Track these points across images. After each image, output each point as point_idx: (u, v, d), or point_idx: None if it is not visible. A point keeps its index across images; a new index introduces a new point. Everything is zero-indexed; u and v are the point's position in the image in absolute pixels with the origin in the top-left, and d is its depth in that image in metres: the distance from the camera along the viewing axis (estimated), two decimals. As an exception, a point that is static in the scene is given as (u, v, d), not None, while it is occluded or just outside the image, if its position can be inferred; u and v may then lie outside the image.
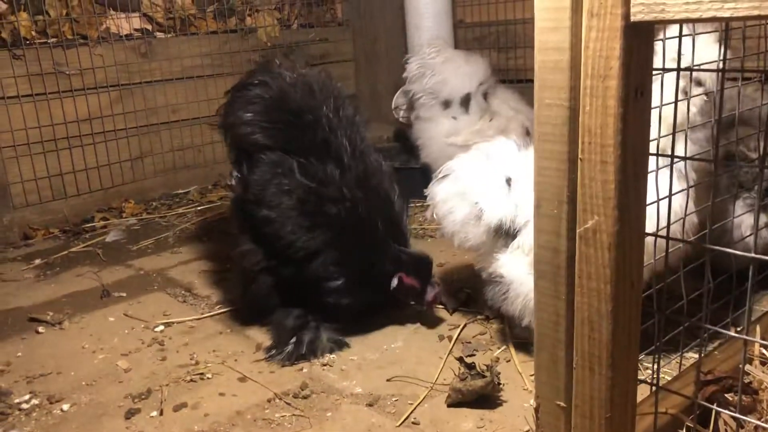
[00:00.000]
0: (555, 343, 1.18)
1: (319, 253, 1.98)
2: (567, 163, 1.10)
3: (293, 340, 1.96)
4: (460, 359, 1.74)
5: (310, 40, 4.31)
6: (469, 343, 1.98)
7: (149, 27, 3.71)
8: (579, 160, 1.08)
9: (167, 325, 2.21)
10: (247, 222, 2.08)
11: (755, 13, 0.85)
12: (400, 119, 3.68)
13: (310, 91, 2.22)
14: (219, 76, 3.91)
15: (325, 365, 1.90)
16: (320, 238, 1.98)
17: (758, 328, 1.67)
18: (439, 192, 1.93)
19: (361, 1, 4.40)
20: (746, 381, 1.51)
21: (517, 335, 1.95)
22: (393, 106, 3.69)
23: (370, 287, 2.03)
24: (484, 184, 1.86)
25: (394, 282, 2.03)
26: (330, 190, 2.01)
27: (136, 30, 3.65)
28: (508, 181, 1.83)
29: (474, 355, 1.91)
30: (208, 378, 1.88)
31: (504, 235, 1.81)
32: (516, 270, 1.77)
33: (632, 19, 0.97)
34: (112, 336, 2.16)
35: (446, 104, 3.23)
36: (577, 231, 1.10)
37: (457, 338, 2.01)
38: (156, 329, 2.19)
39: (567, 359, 1.17)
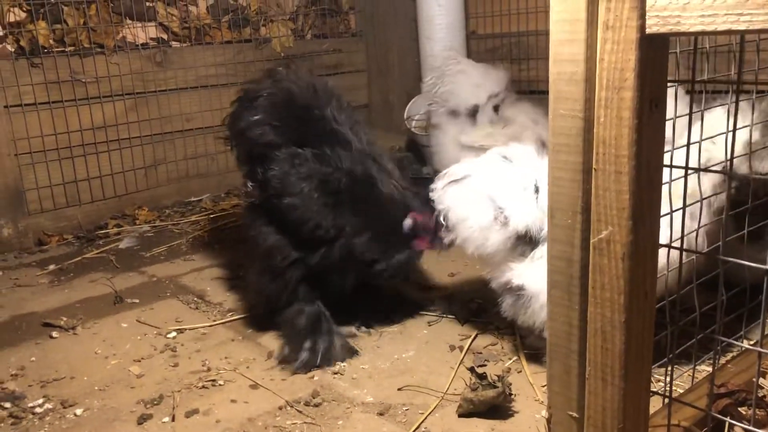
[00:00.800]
0: (568, 353, 1.19)
1: (344, 230, 2.03)
2: (581, 173, 1.11)
3: (307, 345, 1.97)
4: (471, 369, 1.75)
5: (323, 50, 4.34)
6: (480, 353, 1.98)
7: (165, 36, 3.75)
8: (593, 171, 1.08)
9: (179, 331, 2.23)
10: (271, 218, 2.11)
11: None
12: (413, 129, 3.70)
13: (314, 91, 2.30)
14: (233, 86, 3.91)
15: (336, 373, 1.91)
16: (345, 215, 2.03)
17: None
18: (450, 196, 1.87)
19: (375, 12, 4.43)
20: (760, 395, 1.51)
21: (529, 346, 1.94)
22: (405, 115, 3.72)
23: (398, 247, 2.08)
24: (510, 188, 1.81)
25: (408, 223, 2.07)
26: (346, 171, 2.06)
27: (151, 39, 3.69)
28: (537, 188, 1.79)
29: (485, 365, 1.91)
30: (220, 384, 1.88)
31: (526, 243, 1.79)
32: (538, 281, 1.76)
33: (648, 31, 0.98)
34: (125, 342, 2.18)
35: (454, 114, 3.25)
36: (591, 241, 1.10)
37: (468, 348, 2.01)
38: (168, 335, 2.20)
39: (580, 369, 1.18)
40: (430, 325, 2.17)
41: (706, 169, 1.30)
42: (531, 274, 1.77)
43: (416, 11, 3.83)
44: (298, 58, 4.20)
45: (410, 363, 1.96)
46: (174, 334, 2.21)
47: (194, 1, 3.85)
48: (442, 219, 1.89)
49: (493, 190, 1.82)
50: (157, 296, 2.54)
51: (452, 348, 2.03)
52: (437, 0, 3.68)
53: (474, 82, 3.23)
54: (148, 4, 3.65)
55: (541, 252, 1.76)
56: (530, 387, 1.78)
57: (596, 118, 1.06)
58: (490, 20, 3.94)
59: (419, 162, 3.61)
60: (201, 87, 3.82)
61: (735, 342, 1.16)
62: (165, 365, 2.01)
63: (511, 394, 1.68)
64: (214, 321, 2.29)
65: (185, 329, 2.24)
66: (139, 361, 2.05)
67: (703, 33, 0.93)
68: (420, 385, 1.83)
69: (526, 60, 3.81)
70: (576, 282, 1.15)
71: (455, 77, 3.25)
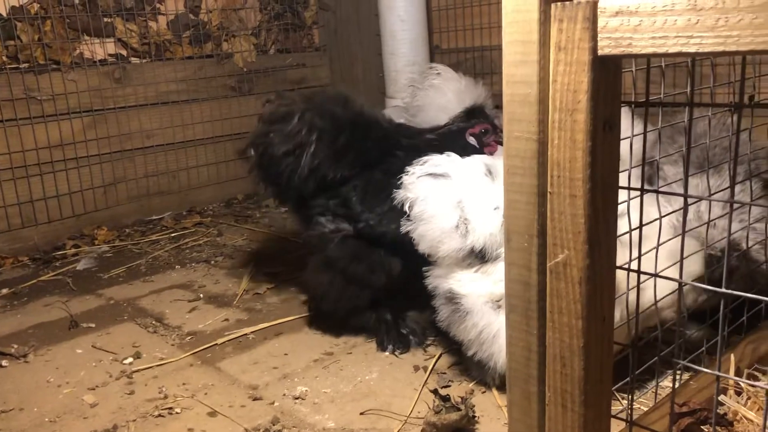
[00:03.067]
0: (527, 378, 1.16)
1: None
2: (537, 196, 1.09)
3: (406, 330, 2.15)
4: (435, 391, 1.71)
5: (287, 65, 4.31)
6: (445, 373, 1.95)
7: (124, 52, 3.68)
8: (548, 194, 1.07)
9: (136, 357, 2.16)
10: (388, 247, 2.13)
11: (720, 49, 0.85)
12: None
13: (345, 102, 2.36)
14: (195, 102, 3.89)
15: (297, 398, 1.86)
16: None
17: (732, 358, 1.66)
18: (423, 188, 1.82)
19: (338, 26, 4.41)
20: (721, 412, 1.50)
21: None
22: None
23: None
24: (483, 203, 1.78)
25: (471, 139, 2.24)
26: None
27: (110, 55, 3.62)
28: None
29: (449, 386, 1.88)
30: (177, 413, 1.83)
31: (476, 258, 1.77)
32: (476, 298, 1.75)
33: (600, 53, 0.97)
34: (79, 369, 2.10)
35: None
36: (548, 265, 1.08)
37: (432, 369, 1.98)
38: (125, 362, 2.13)
39: (539, 395, 1.15)
40: (393, 346, 2.13)
41: (662, 191, 1.29)
42: (471, 290, 1.75)
43: (379, 26, 3.82)
44: (261, 73, 4.16)
45: (373, 385, 1.92)
46: (130, 360, 2.14)
47: (154, 17, 3.79)
48: (407, 206, 1.85)
49: (466, 198, 1.78)
50: (114, 320, 2.47)
51: (416, 368, 2.00)
52: (399, 15, 3.67)
53: (448, 98, 3.19)
54: (106, 19, 3.58)
55: (487, 269, 1.75)
56: (496, 408, 1.76)
57: (550, 140, 1.05)
58: (454, 35, 3.95)
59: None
60: (161, 103, 3.76)
61: (692, 366, 1.14)
62: (120, 393, 1.94)
63: (474, 417, 1.66)
64: (173, 345, 2.23)
65: (142, 355, 2.17)
66: (94, 389, 1.98)
67: (655, 55, 0.92)
68: (383, 408, 1.80)
69: (490, 74, 3.82)
70: (534, 306, 1.13)
71: (427, 91, 3.22)
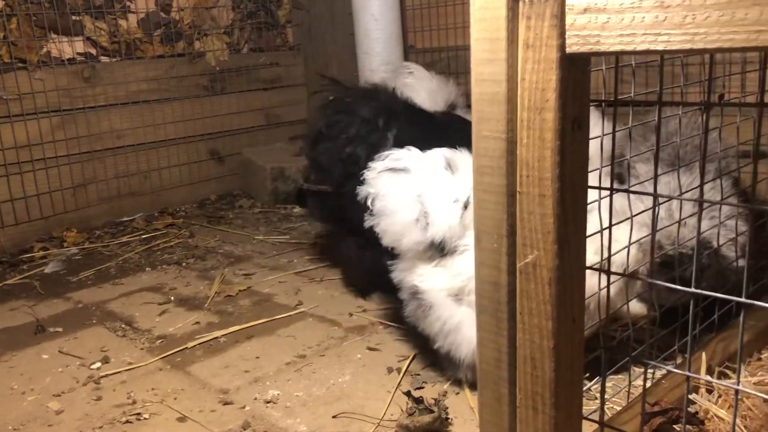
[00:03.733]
0: (498, 380, 1.15)
1: None
2: (506, 196, 1.07)
3: None
4: (408, 393, 1.70)
5: (260, 64, 4.26)
6: (419, 375, 1.94)
7: (93, 51, 3.61)
8: (518, 194, 1.05)
9: (104, 362, 2.11)
10: None
11: (687, 47, 0.84)
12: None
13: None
14: (166, 101, 3.83)
15: (269, 402, 1.83)
16: None
17: (704, 356, 1.66)
18: (384, 183, 1.85)
19: (312, 25, 4.38)
20: (693, 411, 1.50)
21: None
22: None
23: None
24: (442, 196, 1.80)
25: None
26: None
27: (79, 54, 3.56)
28: (467, 205, 1.78)
29: (423, 387, 1.87)
30: (146, 419, 1.79)
31: (437, 251, 1.79)
32: (438, 291, 1.76)
33: (568, 50, 0.96)
34: (45, 375, 2.05)
35: None
36: (518, 266, 1.07)
37: (406, 370, 1.96)
38: (92, 366, 2.09)
39: (510, 398, 1.14)
40: (367, 348, 2.11)
41: (630, 190, 1.29)
42: (433, 284, 1.77)
43: (353, 25, 3.80)
44: (234, 72, 4.12)
45: (346, 388, 1.90)
46: (98, 364, 2.10)
47: (124, 15, 3.73)
48: (369, 202, 1.86)
49: (425, 192, 1.81)
50: (82, 324, 2.41)
51: (390, 370, 1.98)
52: (373, 14, 3.65)
53: (422, 97, 3.18)
54: (74, 17, 3.51)
55: (445, 263, 1.76)
56: (469, 410, 1.74)
57: (519, 139, 1.03)
58: (428, 34, 3.93)
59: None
60: (132, 103, 3.70)
61: (661, 365, 1.13)
62: (87, 399, 1.90)
63: (447, 419, 1.64)
64: (142, 349, 2.19)
65: (110, 359, 2.13)
66: (59, 395, 1.93)
67: (623, 53, 0.91)
68: (356, 411, 1.77)
69: (465, 74, 3.81)
70: (504, 307, 1.11)
71: (401, 91, 3.20)
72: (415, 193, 1.81)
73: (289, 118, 4.39)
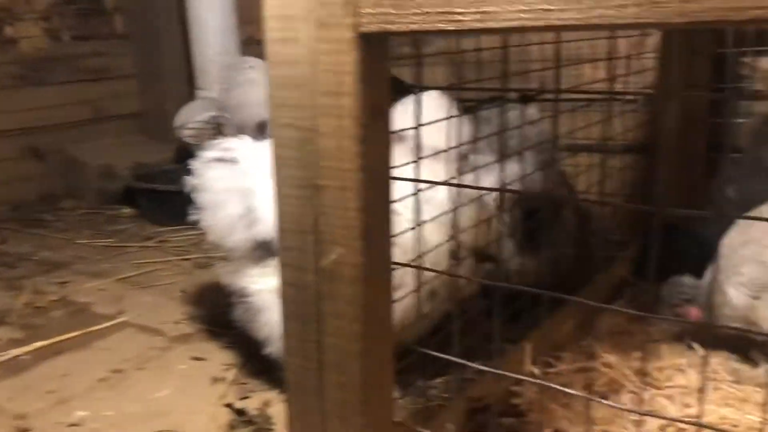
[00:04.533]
0: (306, 390, 1.06)
1: None
2: (308, 189, 0.98)
3: None
4: (229, 405, 1.58)
5: (85, 53, 3.92)
6: (246, 383, 1.81)
7: None
8: (320, 187, 0.97)
9: None
10: None
11: (479, 26, 0.79)
12: (185, 138, 3.44)
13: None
14: (-29, 92, 3.42)
15: (72, 426, 1.64)
16: None
17: (528, 347, 1.67)
18: (211, 174, 1.71)
19: (143, 12, 4.09)
20: (517, 402, 1.50)
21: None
22: (176, 124, 3.44)
23: None
24: (271, 189, 1.68)
25: None
26: None
27: None
28: None
29: (249, 397, 1.74)
30: None
31: (265, 251, 1.66)
32: (266, 294, 1.65)
33: (362, 29, 0.88)
34: None
35: (240, 129, 3.03)
36: (322, 265, 0.99)
37: (233, 379, 1.83)
38: None
39: (320, 408, 1.05)
40: (190, 357, 1.96)
41: (434, 182, 1.25)
42: (262, 286, 1.66)
43: (186, 13, 3.58)
44: (55, 61, 3.76)
45: (166, 403, 1.74)
46: None
47: None
48: (193, 194, 1.72)
49: (254, 186, 1.66)
50: None
51: (215, 380, 1.84)
52: (207, 1, 3.46)
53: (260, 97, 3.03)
54: None
55: (275, 264, 1.67)
56: (296, 417, 1.65)
57: (319, 127, 0.95)
58: (267, 25, 3.78)
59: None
60: (-71, 93, 3.27)
61: (470, 364, 1.10)
62: None
63: (270, 429, 1.54)
64: (-74, 374, 1.90)
65: None
66: None
67: (418, 32, 0.84)
68: (176, 428, 1.62)
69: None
70: (311, 311, 1.03)
71: (244, 87, 3.04)
72: (243, 187, 1.67)
73: (119, 111, 4.08)
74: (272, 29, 0.96)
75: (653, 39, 2.39)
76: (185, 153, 3.61)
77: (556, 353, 1.73)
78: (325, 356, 1.02)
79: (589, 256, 2.25)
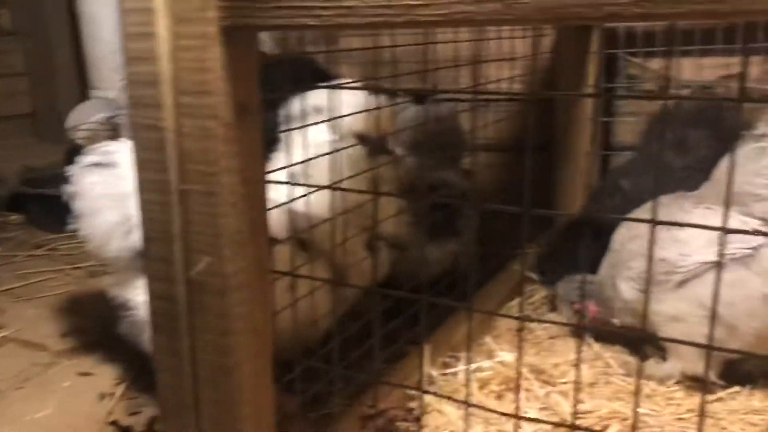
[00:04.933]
0: (180, 409, 0.99)
1: None
2: (173, 195, 0.92)
3: None
4: (115, 423, 1.49)
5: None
6: (136, 398, 1.72)
7: None
8: (185, 191, 0.91)
9: None
10: None
11: (341, 21, 0.75)
12: (78, 141, 3.26)
13: None
14: None
15: (-63, 455, 1.50)
16: None
17: (427, 350, 1.65)
18: (88, 179, 1.63)
19: (33, 7, 3.86)
20: (414, 407, 1.47)
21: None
22: (68, 125, 3.26)
23: None
24: None
25: None
26: None
27: None
28: None
29: (138, 413, 1.65)
30: None
31: None
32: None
33: (224, 24, 0.83)
34: None
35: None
36: (190, 275, 0.92)
37: (122, 394, 1.73)
38: None
39: (197, 426, 0.99)
40: (79, 373, 1.84)
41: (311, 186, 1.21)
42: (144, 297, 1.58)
43: (77, 8, 3.40)
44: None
45: (47, 424, 1.62)
46: None
47: None
48: (70, 199, 1.64)
49: (133, 192, 1.57)
50: None
51: (103, 396, 1.73)
52: (98, -4, 3.29)
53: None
54: None
55: None
56: None
57: (181, 127, 0.89)
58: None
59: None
60: None
61: (353, 374, 1.06)
62: None
63: (157, 447, 1.46)
64: None
65: None
66: None
67: (283, 27, 0.80)
68: (54, 451, 1.52)
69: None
70: (182, 325, 0.96)
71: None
72: (120, 193, 1.58)
73: (7, 111, 3.84)
74: (129, 24, 0.89)
75: (549, 40, 2.42)
76: (77, 156, 3.43)
77: (455, 353, 1.72)
78: (199, 372, 0.96)
79: (492, 252, 2.27)
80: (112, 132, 3.10)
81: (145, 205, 0.94)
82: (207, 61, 0.84)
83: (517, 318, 0.90)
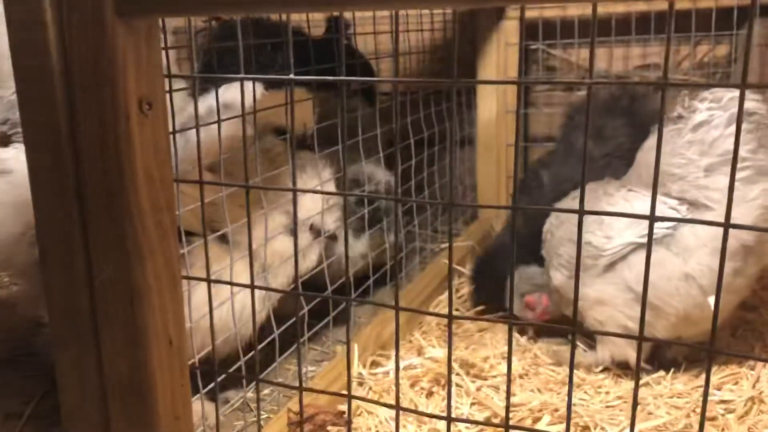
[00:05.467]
0: (89, 425, 0.92)
1: None
2: (71, 198, 0.85)
3: None
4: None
5: None
6: (46, 417, 1.61)
7: None
8: (84, 195, 0.84)
9: None
10: None
11: (258, 9, 0.70)
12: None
13: None
14: None
15: None
16: None
17: (356, 348, 1.61)
18: None
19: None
20: (342, 410, 1.43)
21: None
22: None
23: None
24: None
25: None
26: None
27: None
28: None
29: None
30: None
31: None
32: None
33: (119, 12, 0.76)
34: None
35: None
36: (94, 284, 0.86)
37: (30, 413, 1.62)
38: None
39: (107, 447, 0.92)
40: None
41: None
42: None
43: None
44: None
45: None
46: None
47: None
48: None
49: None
50: None
51: (8, 417, 1.62)
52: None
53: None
54: None
55: None
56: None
57: (78, 124, 0.82)
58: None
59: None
60: None
61: (270, 381, 1.02)
62: None
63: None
64: None
65: None
66: None
67: (174, 14, 0.74)
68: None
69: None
70: (89, 338, 0.89)
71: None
72: (20, 201, 1.47)
73: None
74: (16, 11, 0.81)
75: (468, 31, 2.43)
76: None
77: (384, 352, 1.69)
78: (107, 386, 0.89)
79: (417, 246, 2.25)
80: (4, 136, 2.93)
81: (42, 211, 0.87)
82: (103, 51, 0.78)
83: (445, 316, 0.87)
